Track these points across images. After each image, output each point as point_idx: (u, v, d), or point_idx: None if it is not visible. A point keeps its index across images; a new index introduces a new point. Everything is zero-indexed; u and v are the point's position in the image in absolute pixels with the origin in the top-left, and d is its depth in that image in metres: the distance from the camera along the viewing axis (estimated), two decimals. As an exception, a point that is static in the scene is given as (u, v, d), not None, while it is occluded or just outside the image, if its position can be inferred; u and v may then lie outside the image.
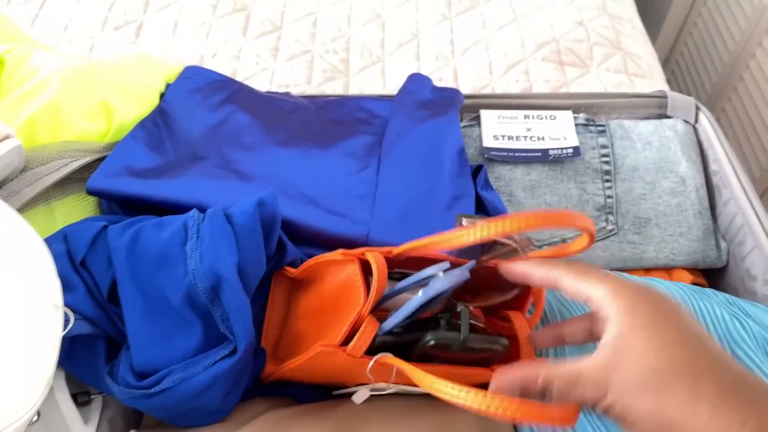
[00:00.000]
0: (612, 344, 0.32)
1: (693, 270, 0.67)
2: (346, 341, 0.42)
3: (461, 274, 0.41)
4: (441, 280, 0.40)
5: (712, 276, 0.68)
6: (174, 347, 0.44)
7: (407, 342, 0.43)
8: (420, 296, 0.39)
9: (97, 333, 0.48)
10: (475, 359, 0.44)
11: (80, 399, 0.50)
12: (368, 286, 0.43)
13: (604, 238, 0.66)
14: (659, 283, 0.58)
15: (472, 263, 0.43)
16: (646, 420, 0.30)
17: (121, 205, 0.56)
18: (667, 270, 0.66)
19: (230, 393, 0.46)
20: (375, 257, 0.43)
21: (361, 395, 0.47)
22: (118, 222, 0.50)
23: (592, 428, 0.46)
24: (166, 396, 0.43)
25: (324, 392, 0.52)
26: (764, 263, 0.60)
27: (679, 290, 0.57)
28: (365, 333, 0.41)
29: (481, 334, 0.44)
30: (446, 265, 0.41)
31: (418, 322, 0.44)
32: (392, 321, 0.42)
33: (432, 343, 0.41)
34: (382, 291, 0.42)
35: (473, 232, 0.36)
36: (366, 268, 0.44)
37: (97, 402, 0.51)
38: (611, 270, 0.64)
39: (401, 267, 0.47)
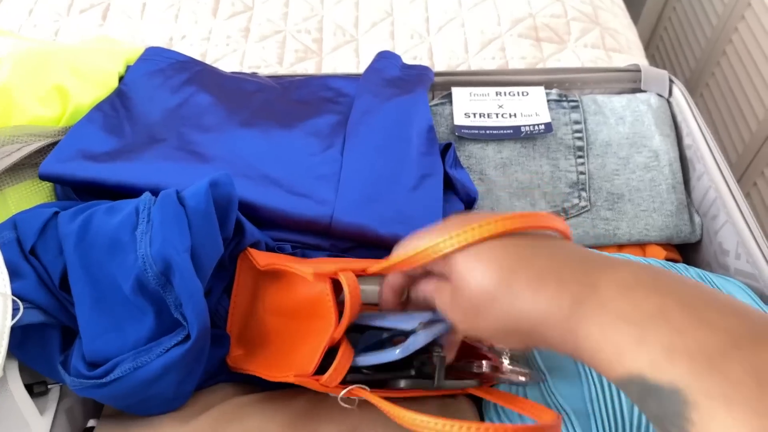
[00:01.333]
0: (452, 291, 0.37)
1: (667, 245, 0.66)
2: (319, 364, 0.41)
3: (442, 328, 0.40)
4: (420, 337, 0.39)
5: (686, 251, 0.67)
6: (125, 336, 0.43)
7: (379, 379, 0.43)
8: (398, 353, 0.39)
9: (50, 322, 0.46)
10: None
11: (36, 389, 0.48)
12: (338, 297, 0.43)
13: (577, 215, 0.65)
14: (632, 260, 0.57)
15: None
16: (491, 334, 0.36)
17: (76, 191, 0.54)
18: (640, 246, 0.65)
19: (185, 380, 0.45)
20: (347, 280, 0.41)
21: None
22: (71, 208, 0.49)
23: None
24: (119, 385, 0.42)
25: None
26: (736, 237, 0.59)
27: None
28: (340, 364, 0.40)
29: (453, 380, 0.43)
30: (427, 316, 0.40)
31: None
32: (364, 361, 0.41)
33: (403, 387, 0.41)
34: (354, 315, 0.41)
35: (449, 240, 0.35)
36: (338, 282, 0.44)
37: (54, 392, 0.49)
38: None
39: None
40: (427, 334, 0.39)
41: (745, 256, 0.58)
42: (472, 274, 0.35)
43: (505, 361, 0.42)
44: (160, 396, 0.44)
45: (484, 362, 0.42)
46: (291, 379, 0.41)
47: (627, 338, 0.28)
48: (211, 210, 0.45)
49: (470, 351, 0.45)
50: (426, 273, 0.41)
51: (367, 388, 0.41)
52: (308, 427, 0.43)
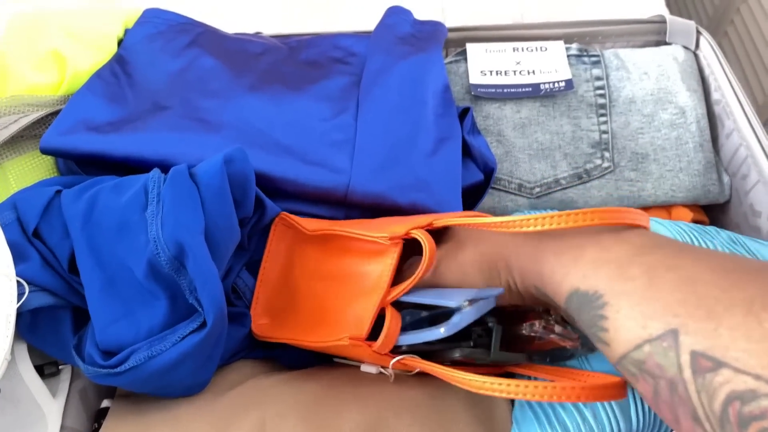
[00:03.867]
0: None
1: (694, 207, 0.63)
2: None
3: (486, 304, 0.40)
4: (466, 314, 0.38)
5: (714, 212, 0.65)
6: (138, 323, 0.41)
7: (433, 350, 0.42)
8: (443, 331, 0.38)
9: (60, 304, 0.45)
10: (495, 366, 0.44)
11: (47, 370, 0.47)
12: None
13: (599, 176, 0.62)
14: (658, 223, 0.55)
15: (500, 290, 0.41)
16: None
17: (79, 164, 0.52)
18: (666, 208, 0.63)
19: (204, 366, 0.43)
20: (425, 236, 0.41)
21: (371, 369, 0.45)
22: (74, 184, 0.46)
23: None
24: (134, 374, 0.40)
25: (313, 356, 0.49)
26: (769, 198, 0.56)
27: (680, 229, 0.54)
28: (390, 330, 0.40)
29: (507, 352, 0.42)
30: (473, 293, 0.39)
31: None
32: (406, 340, 0.40)
33: (458, 358, 0.40)
34: (428, 272, 0.41)
35: (531, 222, 0.36)
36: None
37: (65, 372, 0.48)
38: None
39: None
40: (473, 311, 0.38)
41: (779, 218, 0.55)
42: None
43: (556, 325, 0.41)
44: (178, 383, 0.43)
45: (536, 322, 0.42)
46: (345, 342, 0.40)
47: (570, 258, 0.34)
48: (225, 188, 0.43)
49: (520, 317, 0.44)
50: None
51: (417, 357, 0.41)
52: (330, 411, 0.41)
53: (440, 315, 0.41)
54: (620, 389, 0.35)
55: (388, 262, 0.42)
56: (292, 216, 0.50)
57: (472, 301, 0.39)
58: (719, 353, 0.25)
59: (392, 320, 0.40)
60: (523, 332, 0.42)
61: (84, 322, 0.46)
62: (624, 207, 0.40)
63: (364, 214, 0.53)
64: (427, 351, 0.42)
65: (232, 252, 0.45)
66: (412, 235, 0.42)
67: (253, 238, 0.49)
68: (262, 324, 0.48)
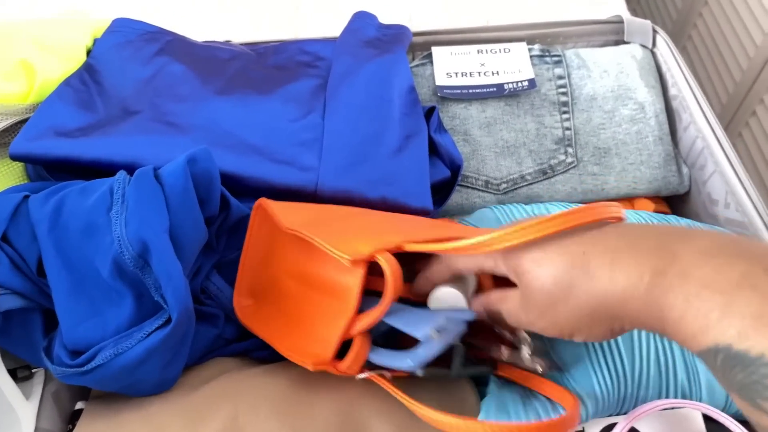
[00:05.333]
0: (521, 294, 0.36)
1: (655, 198, 0.65)
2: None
3: (455, 333, 0.39)
4: (433, 347, 0.38)
5: (675, 202, 0.67)
6: (105, 322, 0.42)
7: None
8: (410, 363, 0.38)
9: (31, 306, 0.45)
10: None
11: (20, 374, 0.48)
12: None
13: (564, 171, 0.64)
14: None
15: (471, 314, 0.40)
16: (574, 326, 0.34)
17: (49, 170, 0.53)
18: (629, 200, 0.65)
19: (171, 363, 0.43)
20: (391, 269, 0.37)
21: None
22: (42, 190, 0.47)
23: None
24: (101, 372, 0.40)
25: None
26: (725, 186, 0.58)
27: (641, 219, 0.56)
28: (359, 355, 0.40)
29: (471, 366, 0.42)
30: (441, 319, 0.38)
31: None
32: (376, 359, 0.40)
33: (421, 376, 0.40)
34: (385, 311, 0.39)
35: (498, 239, 0.34)
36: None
37: (39, 376, 0.48)
38: (572, 203, 0.62)
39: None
40: (439, 343, 0.38)
41: (735, 205, 0.57)
42: (541, 265, 0.34)
43: (526, 350, 0.41)
44: (145, 380, 0.43)
45: (503, 348, 0.42)
46: (309, 367, 0.40)
47: (714, 307, 0.27)
48: (189, 188, 0.43)
49: (492, 336, 0.43)
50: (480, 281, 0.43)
51: (387, 374, 0.41)
52: (303, 401, 0.42)
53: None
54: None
55: (356, 283, 0.39)
56: (271, 204, 0.47)
57: (440, 330, 0.38)
58: None
59: (361, 346, 0.40)
60: (491, 354, 0.42)
61: (54, 325, 0.46)
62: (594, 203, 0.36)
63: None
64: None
65: (198, 251, 0.46)
66: (376, 260, 0.38)
67: (221, 237, 0.50)
68: (246, 306, 0.48)
